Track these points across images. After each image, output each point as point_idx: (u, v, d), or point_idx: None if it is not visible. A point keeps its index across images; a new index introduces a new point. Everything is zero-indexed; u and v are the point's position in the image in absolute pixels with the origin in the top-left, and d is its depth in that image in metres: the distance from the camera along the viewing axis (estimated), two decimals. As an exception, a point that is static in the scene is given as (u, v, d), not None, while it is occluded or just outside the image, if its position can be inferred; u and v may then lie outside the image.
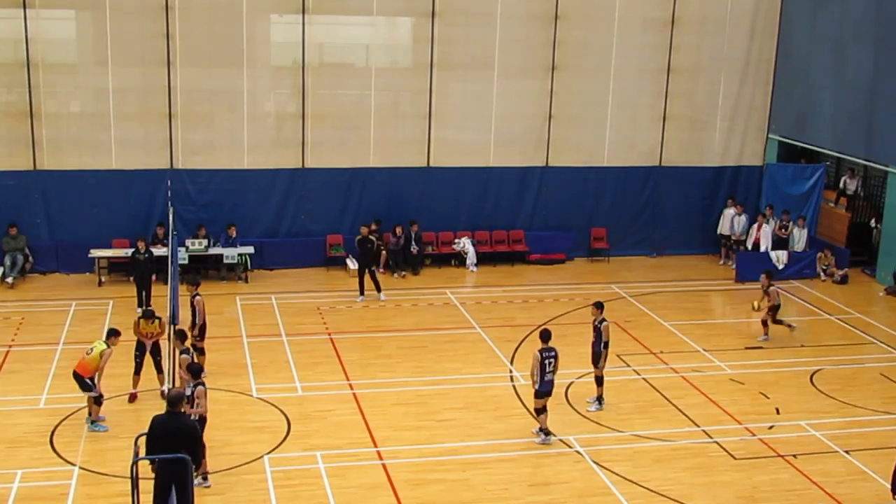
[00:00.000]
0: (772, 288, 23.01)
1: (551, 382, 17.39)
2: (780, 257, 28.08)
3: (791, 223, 28.88)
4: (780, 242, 28.76)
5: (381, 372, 20.56)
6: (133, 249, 24.56)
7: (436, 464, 16.56)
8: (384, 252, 27.82)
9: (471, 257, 28.60)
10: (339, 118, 28.34)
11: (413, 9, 28.21)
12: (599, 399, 18.85)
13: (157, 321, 18.87)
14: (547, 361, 17.28)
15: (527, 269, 28.83)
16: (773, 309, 23.01)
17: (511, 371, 20.67)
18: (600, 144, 29.77)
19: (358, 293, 25.31)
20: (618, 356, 21.26)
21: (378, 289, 25.34)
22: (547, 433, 17.44)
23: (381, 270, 27.12)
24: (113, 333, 17.58)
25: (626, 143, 29.93)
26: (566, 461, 16.77)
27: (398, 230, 27.97)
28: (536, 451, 17.10)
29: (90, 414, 17.41)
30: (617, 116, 29.69)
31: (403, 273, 27.81)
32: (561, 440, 17.41)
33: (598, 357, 18.62)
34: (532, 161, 29.33)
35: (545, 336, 17.43)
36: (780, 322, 23.07)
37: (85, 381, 17.18)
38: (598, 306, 18.90)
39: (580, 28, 28.81)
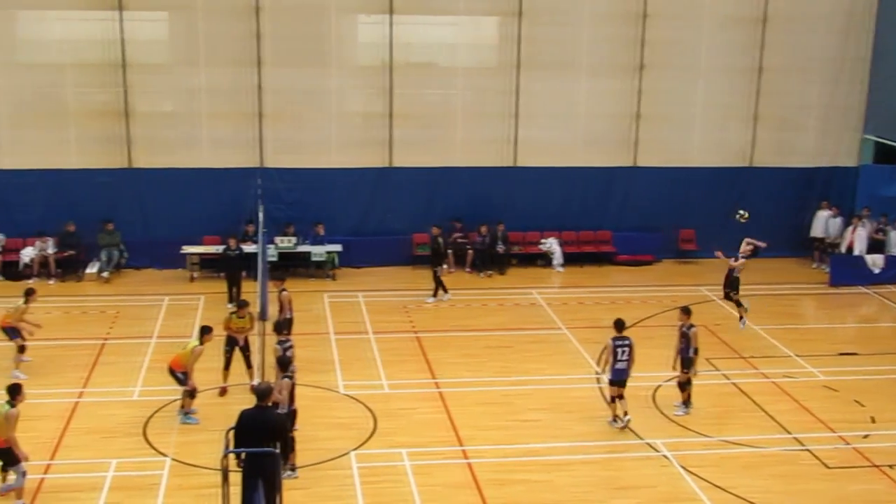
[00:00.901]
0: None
1: (624, 371, 17.58)
2: (875, 261, 27.44)
3: (889, 226, 28.20)
4: (875, 246, 28.09)
5: (466, 371, 20.58)
6: (224, 246, 24.96)
7: (520, 464, 16.52)
8: (469, 251, 27.88)
9: (557, 257, 28.48)
10: (424, 117, 28.44)
11: (499, 8, 28.19)
12: (686, 403, 18.62)
13: (247, 316, 19.13)
14: (619, 350, 17.48)
15: (613, 270, 28.63)
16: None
17: (597, 373, 20.51)
18: (689, 144, 29.43)
19: (431, 293, 25.40)
20: (706, 360, 20.94)
21: (438, 291, 25.37)
22: (615, 419, 17.77)
23: (450, 270, 27.29)
24: (206, 331, 17.84)
25: (715, 143, 29.53)
26: (652, 465, 16.60)
27: (483, 229, 27.98)
28: (621, 454, 16.96)
29: (182, 406, 17.74)
30: (705, 116, 29.32)
31: (489, 273, 27.81)
32: (647, 444, 17.24)
33: (688, 363, 18.37)
34: (619, 161, 29.11)
35: (619, 325, 17.77)
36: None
37: (177, 375, 17.54)
38: (686, 311, 18.66)
39: (668, 26, 28.49)
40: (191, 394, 17.69)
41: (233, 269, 24.58)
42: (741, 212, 24.34)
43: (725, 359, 21.52)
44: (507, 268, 28.14)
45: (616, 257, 29.07)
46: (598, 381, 19.86)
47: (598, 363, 18.19)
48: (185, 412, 17.69)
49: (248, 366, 19.07)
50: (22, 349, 19.86)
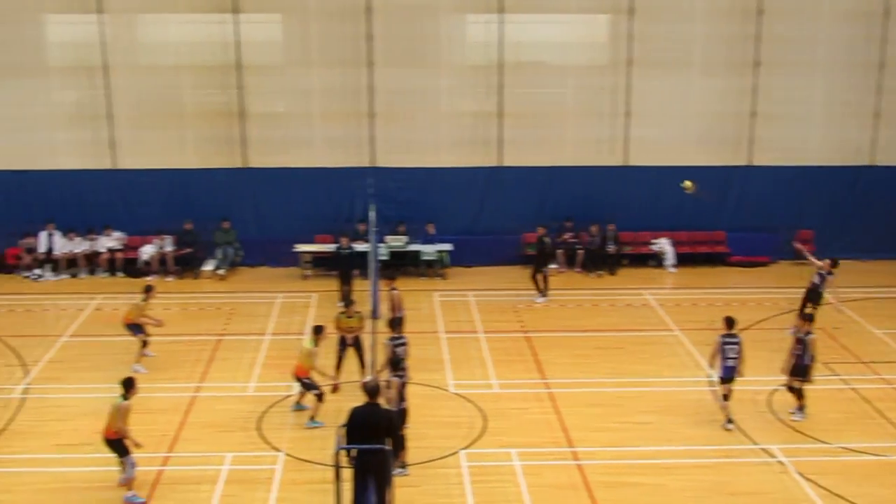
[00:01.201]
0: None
1: (733, 369, 17.41)
2: None
3: None
4: None
5: (576, 372, 20.43)
6: (337, 245, 25.25)
7: (631, 467, 16.34)
8: (581, 251, 27.72)
9: (669, 258, 28.11)
10: (534, 117, 28.33)
11: (610, 6, 27.93)
12: (801, 409, 18.17)
13: (356, 316, 19.30)
14: (728, 348, 17.34)
15: (728, 272, 28.12)
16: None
17: (710, 375, 20.14)
18: (806, 142, 28.71)
19: (538, 293, 25.24)
20: (824, 364, 20.38)
21: (544, 291, 25.17)
22: (730, 421, 17.61)
23: (560, 270, 27.31)
24: (318, 331, 17.91)
25: (833, 141, 28.72)
26: (768, 471, 16.23)
27: (594, 229, 27.78)
28: (735, 458, 16.61)
29: (309, 410, 17.75)
30: (824, 113, 28.56)
31: (600, 273, 27.60)
32: (763, 449, 16.87)
33: (804, 370, 17.88)
34: (734, 160, 28.58)
35: (729, 323, 17.64)
36: None
37: (304, 381, 17.64)
38: (807, 318, 18.18)
39: (784, 22, 27.83)
40: (319, 397, 17.62)
41: (345, 267, 24.85)
42: (686, 182, 23.03)
43: (845, 363, 20.92)
44: (617, 268, 27.88)
45: (730, 258, 28.54)
46: (711, 384, 19.53)
47: (710, 364, 17.96)
48: (312, 417, 17.67)
49: (362, 365, 19.20)
50: (145, 344, 20.39)
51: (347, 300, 20.47)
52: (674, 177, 27.88)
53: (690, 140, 28.51)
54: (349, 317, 19.29)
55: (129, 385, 15.20)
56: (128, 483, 15.03)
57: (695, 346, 21.73)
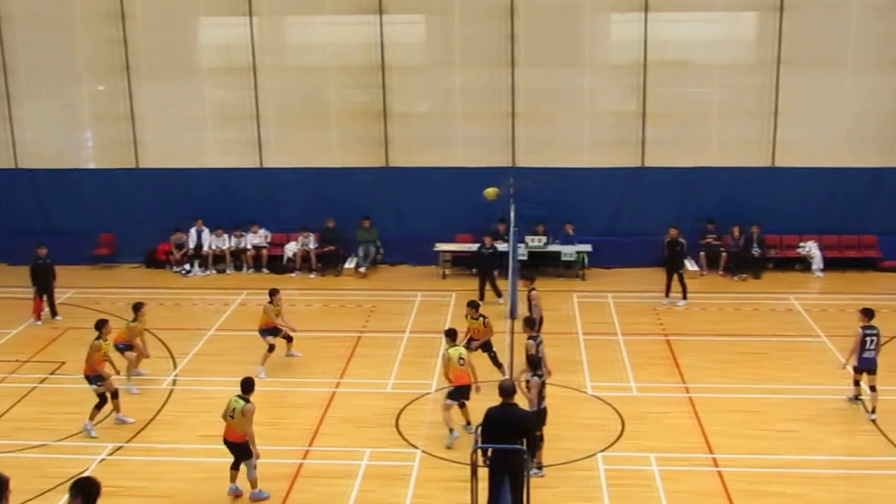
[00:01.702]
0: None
1: (872, 360, 17.54)
2: None
3: None
4: None
5: (718, 377, 20.05)
6: (479, 244, 25.36)
7: (773, 475, 15.92)
8: (724, 254, 27.20)
9: (816, 262, 27.35)
10: (679, 116, 27.96)
11: (758, 3, 27.34)
12: None
13: (480, 319, 19.28)
14: (868, 339, 17.54)
15: (879, 277, 27.17)
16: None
17: (843, 366, 19.46)
18: (966, 143, 27.64)
19: (664, 295, 24.89)
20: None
21: (684, 294, 24.76)
22: (855, 396, 17.93)
23: (702, 273, 27.09)
24: (450, 334, 17.66)
25: None
26: (919, 482, 15.68)
27: (736, 231, 27.22)
28: (884, 471, 16.02)
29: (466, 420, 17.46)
30: None
31: (744, 276, 27.01)
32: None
33: None
34: (888, 161, 27.59)
35: (868, 314, 17.89)
36: None
37: (462, 389, 17.12)
38: None
39: (943, 17, 26.85)
40: (461, 403, 17.26)
41: (486, 266, 24.94)
42: (488, 190, 21.49)
43: None
44: (762, 271, 27.25)
45: (881, 263, 27.59)
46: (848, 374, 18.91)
47: (849, 356, 17.72)
48: (467, 423, 17.32)
49: (497, 365, 19.21)
50: (289, 339, 20.91)
51: (475, 302, 19.99)
52: (823, 178, 27.38)
53: (840, 140, 27.72)
54: (473, 318, 19.29)
55: (248, 386, 15.11)
56: (253, 481, 15.16)
57: (842, 354, 21.04)
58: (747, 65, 28.13)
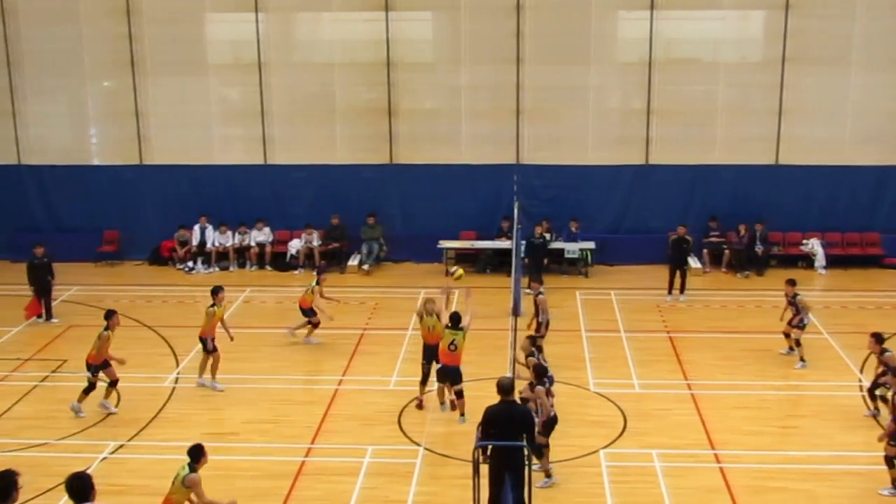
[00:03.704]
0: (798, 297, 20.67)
1: None
2: None
3: None
4: None
5: (721, 374, 20.07)
6: (530, 234, 25.84)
7: (777, 472, 15.94)
8: (727, 251, 27.22)
9: (819, 259, 27.34)
10: (684, 114, 27.96)
11: (765, 1, 27.33)
12: None
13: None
14: None
15: (882, 274, 27.17)
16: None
17: (860, 380, 19.53)
18: (971, 141, 27.60)
19: (667, 292, 24.96)
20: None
21: (682, 289, 24.82)
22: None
23: (706, 270, 27.15)
24: (453, 318, 17.35)
25: None
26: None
27: (742, 229, 27.22)
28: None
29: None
30: None
31: (747, 273, 27.01)
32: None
33: None
34: (891, 159, 27.58)
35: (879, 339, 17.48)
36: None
37: (447, 370, 17.32)
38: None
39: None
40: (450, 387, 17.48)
41: (535, 255, 25.69)
42: (453, 269, 20.50)
43: None
44: (765, 269, 27.24)
45: (885, 260, 27.57)
46: (861, 388, 18.94)
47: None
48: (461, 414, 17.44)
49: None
50: (316, 325, 21.45)
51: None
52: (828, 176, 27.43)
53: (845, 139, 27.71)
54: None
55: (196, 454, 13.33)
56: None
57: (844, 350, 21.09)
58: (753, 63, 28.14)
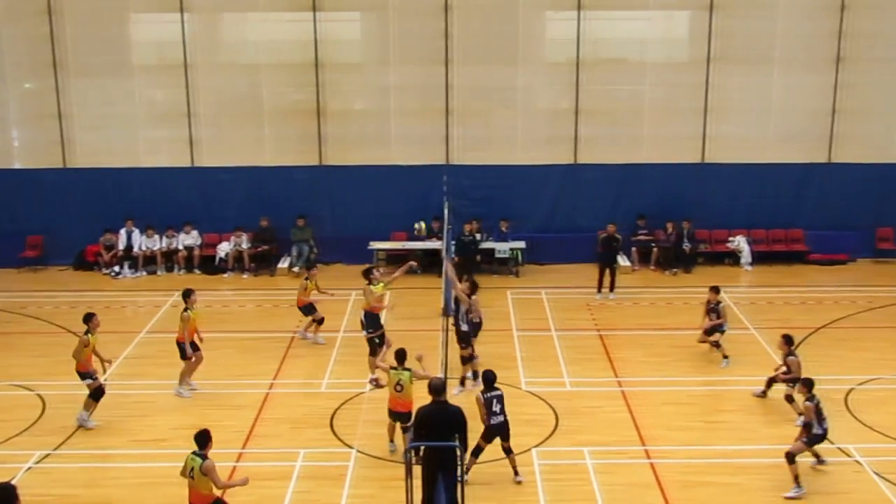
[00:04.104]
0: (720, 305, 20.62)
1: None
2: None
3: None
4: None
5: (651, 370, 20.28)
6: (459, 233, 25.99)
7: (707, 466, 16.16)
8: (655, 249, 27.53)
9: (745, 256, 27.77)
10: (612, 114, 28.22)
11: (691, 2, 27.69)
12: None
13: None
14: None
15: (805, 270, 27.70)
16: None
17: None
18: (889, 140, 28.24)
19: (596, 290, 25.18)
20: (901, 363, 20.20)
21: (612, 287, 25.05)
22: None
23: (635, 268, 27.38)
24: (399, 356, 16.50)
25: (917, 138, 28.19)
26: (845, 471, 15.95)
27: (669, 227, 27.54)
28: (813, 458, 16.31)
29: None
30: (908, 110, 28.01)
31: (675, 271, 27.34)
32: (840, 448, 16.56)
33: None
34: (814, 157, 28.13)
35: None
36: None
37: (397, 414, 16.38)
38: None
39: (869, 17, 27.38)
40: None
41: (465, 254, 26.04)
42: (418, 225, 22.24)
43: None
44: (693, 266, 27.60)
45: (808, 256, 28.10)
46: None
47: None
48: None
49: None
50: (320, 321, 21.73)
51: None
52: (753, 174, 27.89)
53: (770, 137, 28.19)
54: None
55: (203, 440, 13.58)
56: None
57: (770, 346, 21.41)
58: (679, 63, 28.50)
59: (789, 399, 17.78)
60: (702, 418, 18.02)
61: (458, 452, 13.31)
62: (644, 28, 28.34)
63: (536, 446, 16.83)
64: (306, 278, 22.00)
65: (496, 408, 15.54)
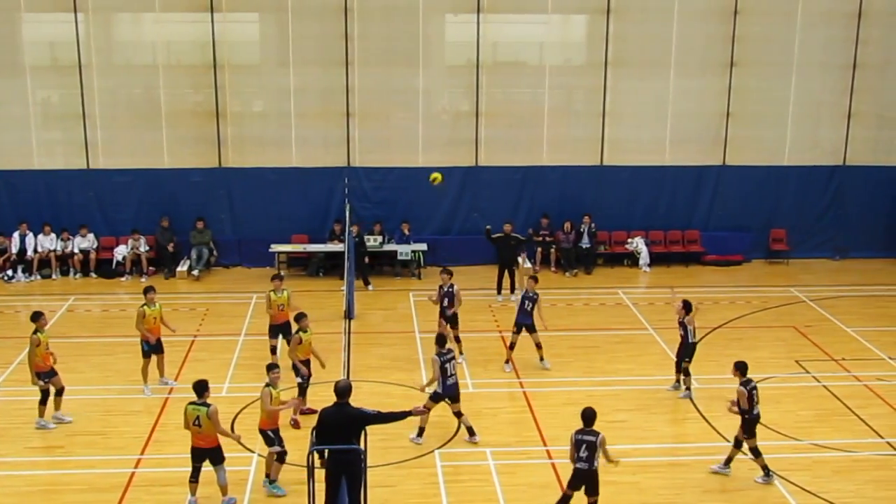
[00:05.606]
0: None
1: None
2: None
3: None
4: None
5: (551, 371, 20.49)
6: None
7: (605, 465, 16.34)
8: (554, 250, 27.81)
9: (644, 257, 28.22)
10: (512, 116, 28.42)
11: (588, 6, 28.03)
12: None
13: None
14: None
15: (702, 271, 28.28)
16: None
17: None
18: (781, 143, 28.91)
19: (496, 292, 25.40)
20: (797, 362, 20.73)
21: (513, 289, 25.25)
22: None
23: (536, 269, 27.42)
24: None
25: (807, 141, 28.93)
26: (740, 468, 16.28)
27: (567, 226, 27.79)
28: (710, 456, 16.64)
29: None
30: (798, 114, 28.73)
31: (576, 272, 27.67)
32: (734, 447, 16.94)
33: None
34: (709, 160, 28.73)
35: (742, 368, 16.27)
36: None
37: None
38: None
39: (760, 23, 28.04)
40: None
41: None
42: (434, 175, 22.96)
43: (816, 361, 21.09)
44: (593, 267, 27.98)
45: (704, 257, 28.70)
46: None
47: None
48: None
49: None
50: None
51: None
52: (650, 176, 28.37)
53: (666, 140, 28.65)
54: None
55: (201, 389, 14.80)
56: (224, 487, 14.95)
57: (668, 345, 21.79)
58: (577, 66, 28.86)
59: (738, 444, 16.33)
60: (601, 418, 17.88)
61: (363, 456, 13.28)
62: (542, 32, 28.61)
63: (439, 448, 16.88)
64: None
65: (451, 369, 16.67)
